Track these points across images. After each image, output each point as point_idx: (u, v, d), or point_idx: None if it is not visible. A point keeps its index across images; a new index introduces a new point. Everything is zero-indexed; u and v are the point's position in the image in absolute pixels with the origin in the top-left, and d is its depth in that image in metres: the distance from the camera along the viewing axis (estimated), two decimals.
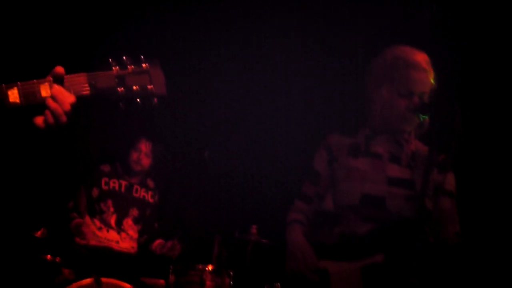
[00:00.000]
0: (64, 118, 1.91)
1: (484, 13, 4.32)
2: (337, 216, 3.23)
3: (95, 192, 4.62)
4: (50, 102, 1.90)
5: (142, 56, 1.95)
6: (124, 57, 1.94)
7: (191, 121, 5.37)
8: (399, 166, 3.24)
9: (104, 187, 4.67)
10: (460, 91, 3.91)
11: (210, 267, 3.96)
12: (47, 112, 1.91)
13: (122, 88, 1.93)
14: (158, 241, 4.68)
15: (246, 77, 5.22)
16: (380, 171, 3.22)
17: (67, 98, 1.90)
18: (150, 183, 4.89)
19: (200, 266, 3.95)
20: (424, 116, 3.07)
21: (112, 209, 4.62)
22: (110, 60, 1.93)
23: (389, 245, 2.99)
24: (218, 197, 5.16)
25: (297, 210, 3.43)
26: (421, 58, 3.20)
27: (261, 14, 4.98)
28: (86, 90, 1.93)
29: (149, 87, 1.94)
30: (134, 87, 1.93)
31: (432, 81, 3.17)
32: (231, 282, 4.02)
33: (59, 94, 1.90)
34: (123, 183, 4.75)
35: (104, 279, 3.74)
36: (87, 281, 3.71)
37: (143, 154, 4.80)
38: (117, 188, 4.70)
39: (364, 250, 3.04)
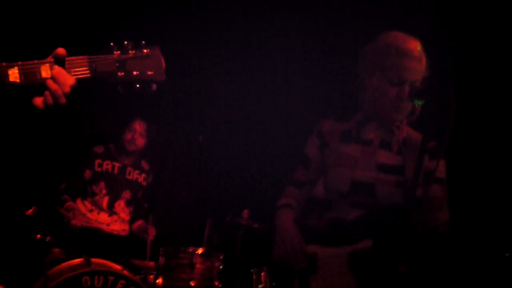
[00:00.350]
0: (63, 100, 1.92)
1: (479, 3, 4.34)
2: (328, 202, 3.25)
3: (87, 174, 4.57)
4: (50, 83, 1.91)
5: (143, 42, 1.96)
6: (126, 42, 1.95)
7: (186, 105, 5.36)
8: (389, 152, 3.26)
9: (97, 168, 4.62)
10: (454, 77, 3.92)
11: (200, 250, 3.98)
12: (47, 93, 1.92)
13: (122, 73, 1.95)
14: (139, 222, 4.67)
15: (245, 70, 5.22)
16: (370, 157, 3.24)
17: (68, 80, 1.91)
18: (145, 165, 4.86)
19: (191, 249, 3.96)
20: (418, 102, 3.06)
21: (104, 191, 4.59)
22: (111, 44, 1.94)
23: (377, 231, 3.01)
24: (210, 181, 5.17)
25: (288, 195, 3.46)
26: (414, 45, 3.19)
27: (261, 14, 4.97)
28: (86, 73, 1.94)
29: (149, 73, 1.96)
30: (134, 72, 1.95)
31: (424, 68, 3.18)
32: (221, 266, 4.04)
33: (59, 76, 1.91)
34: (116, 165, 4.71)
35: (94, 260, 3.74)
36: (77, 261, 3.71)
37: (137, 134, 4.75)
38: (110, 170, 4.67)
39: (352, 236, 3.06)
